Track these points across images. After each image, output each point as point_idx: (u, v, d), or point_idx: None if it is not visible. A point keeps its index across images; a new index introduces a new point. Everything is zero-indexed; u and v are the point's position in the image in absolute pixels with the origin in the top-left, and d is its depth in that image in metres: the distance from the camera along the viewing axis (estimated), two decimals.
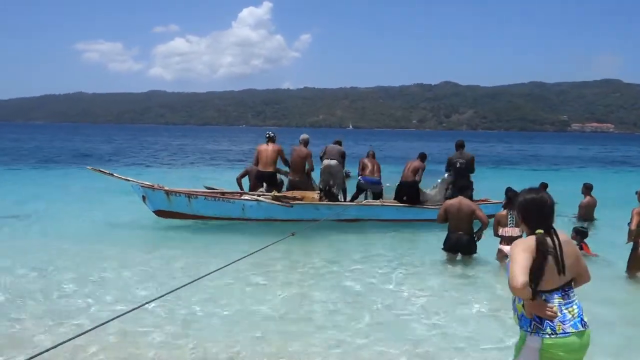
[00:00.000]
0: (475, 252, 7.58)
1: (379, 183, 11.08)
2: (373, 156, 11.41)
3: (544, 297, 2.66)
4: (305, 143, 10.71)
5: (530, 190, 2.87)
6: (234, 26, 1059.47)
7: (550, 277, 2.65)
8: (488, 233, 7.58)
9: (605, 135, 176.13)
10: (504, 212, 7.21)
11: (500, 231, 7.17)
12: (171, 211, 10.04)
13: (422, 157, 11.29)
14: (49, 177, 19.76)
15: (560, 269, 2.64)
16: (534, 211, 2.77)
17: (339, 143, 11.26)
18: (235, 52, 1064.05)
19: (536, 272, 2.60)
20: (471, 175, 11.08)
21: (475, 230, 7.59)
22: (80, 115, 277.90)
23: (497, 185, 12.59)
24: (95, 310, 5.40)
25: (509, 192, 7.35)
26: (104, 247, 8.16)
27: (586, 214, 11.16)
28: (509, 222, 7.09)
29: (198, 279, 3.62)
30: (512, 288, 2.52)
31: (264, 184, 10.61)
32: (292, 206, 9.89)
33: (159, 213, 10.09)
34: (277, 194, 10.10)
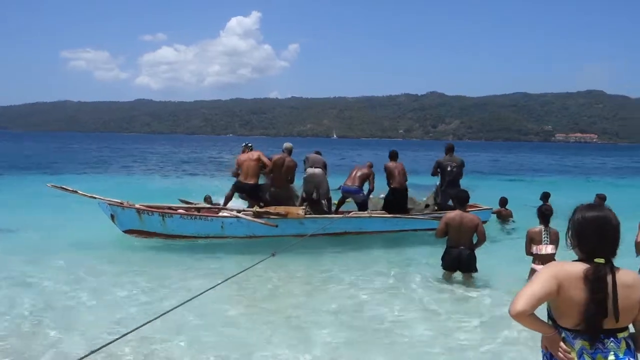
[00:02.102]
0: (476, 271, 7.12)
1: (358, 192, 10.57)
2: (370, 166, 10.87)
3: (563, 335, 2.28)
4: (289, 152, 10.32)
5: (590, 207, 2.36)
6: (222, 35, 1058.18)
7: (576, 314, 2.22)
8: (483, 249, 7.29)
9: (591, 145, 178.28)
10: (537, 228, 6.65)
11: (534, 249, 6.59)
12: (143, 230, 9.33)
13: (394, 155, 10.84)
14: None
15: (609, 311, 2.19)
16: (594, 234, 2.26)
17: (318, 153, 11.01)
18: (223, 61, 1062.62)
19: (574, 307, 2.20)
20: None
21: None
22: (66, 124, 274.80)
23: (485, 194, 12.78)
24: (59, 350, 4.75)
25: (543, 206, 6.82)
26: (64, 273, 7.30)
27: None
28: (543, 239, 6.56)
29: (169, 311, 3.38)
30: (509, 311, 2.19)
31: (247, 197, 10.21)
32: (277, 226, 9.32)
33: (130, 232, 9.38)
34: (258, 209, 9.61)
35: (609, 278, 2.19)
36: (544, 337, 2.29)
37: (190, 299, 3.64)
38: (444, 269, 7.24)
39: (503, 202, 12.16)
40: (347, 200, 10.95)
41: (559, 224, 6.67)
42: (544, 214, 6.66)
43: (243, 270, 4.55)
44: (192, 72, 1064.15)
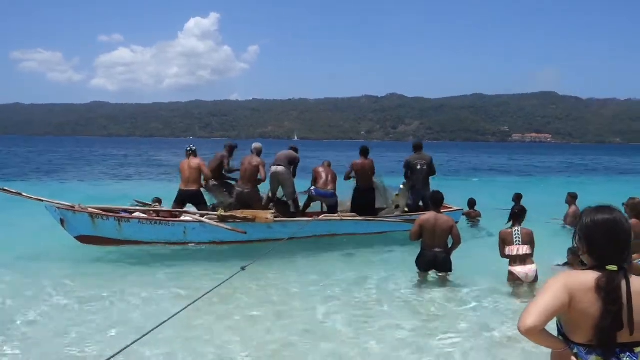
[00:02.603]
0: (451, 270, 6.98)
1: (332, 196, 10.16)
2: (329, 165, 10.52)
3: (575, 350, 2.09)
4: (259, 152, 9.86)
5: (600, 209, 2.15)
6: (180, 37, 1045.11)
7: (589, 328, 2.03)
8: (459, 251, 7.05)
9: (546, 145, 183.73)
10: (508, 229, 6.56)
11: (507, 250, 6.51)
12: (97, 236, 8.59)
13: (366, 151, 10.32)
14: None
15: (623, 323, 2.00)
16: (604, 238, 2.07)
17: (294, 150, 10.46)
18: (181, 63, 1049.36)
19: (583, 320, 2.02)
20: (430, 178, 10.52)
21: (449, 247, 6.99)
22: (17, 127, 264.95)
23: (449, 194, 12.45)
24: None
25: (516, 207, 6.76)
26: (7, 289, 6.49)
27: (572, 223, 10.83)
28: (514, 240, 6.45)
29: (125, 348, 2.93)
30: (518, 327, 1.99)
31: (190, 205, 9.61)
32: (245, 232, 8.75)
33: (82, 239, 8.64)
34: (223, 213, 8.99)
35: (624, 287, 2.01)
36: (555, 353, 2.12)
37: (155, 328, 3.21)
38: (419, 269, 7.07)
39: (472, 203, 12.08)
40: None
41: (531, 224, 6.70)
42: (516, 214, 6.61)
43: (212, 289, 4.11)
44: (150, 74, 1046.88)
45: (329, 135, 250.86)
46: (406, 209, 10.66)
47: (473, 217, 11.80)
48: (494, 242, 6.64)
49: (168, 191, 11.62)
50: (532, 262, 6.52)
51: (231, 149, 10.42)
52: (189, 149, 9.75)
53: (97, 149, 73.07)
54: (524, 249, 6.44)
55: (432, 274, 7.10)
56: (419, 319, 5.73)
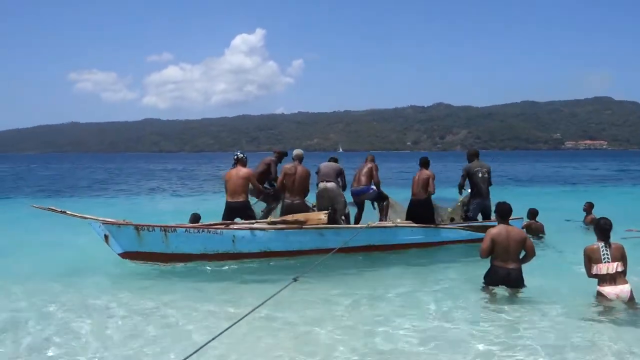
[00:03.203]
0: (524, 286, 6.44)
1: (366, 190, 9.56)
2: (372, 160, 9.88)
3: None
4: (300, 159, 9.31)
5: None
6: (227, 53, 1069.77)
7: None
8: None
9: (602, 152, 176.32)
10: (594, 245, 5.97)
11: (594, 269, 5.91)
12: (143, 252, 8.27)
13: (425, 163, 9.74)
14: None
15: None
16: None
17: (334, 160, 9.89)
18: (228, 79, 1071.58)
19: None
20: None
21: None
22: (73, 145, 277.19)
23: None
24: None
25: (601, 220, 6.10)
26: (54, 307, 6.27)
27: None
28: (602, 258, 5.85)
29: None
30: None
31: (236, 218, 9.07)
32: (302, 227, 8.39)
33: (127, 255, 8.31)
34: (273, 219, 8.68)
35: None
36: None
37: (208, 342, 3.18)
38: (486, 285, 6.56)
39: (533, 213, 10.85)
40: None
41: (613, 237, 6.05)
42: (603, 229, 5.99)
43: (265, 301, 3.96)
44: (198, 91, 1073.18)
45: (375, 147, 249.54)
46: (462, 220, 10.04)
47: (534, 229, 10.52)
48: (559, 258, 6.27)
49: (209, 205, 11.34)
50: (625, 282, 5.87)
51: (280, 156, 9.87)
52: (236, 157, 9.25)
53: (162, 164, 75.23)
54: (614, 267, 5.81)
55: (500, 290, 6.47)
56: (492, 340, 5.10)
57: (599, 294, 5.95)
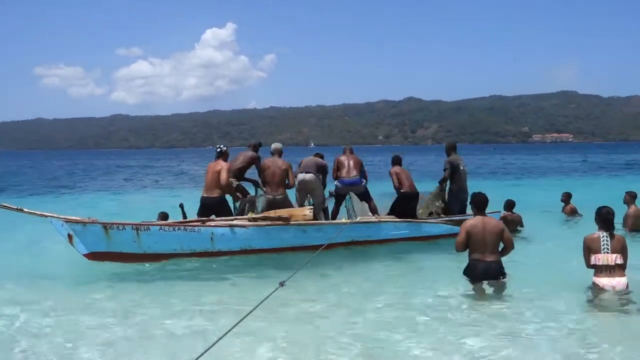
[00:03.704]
0: (505, 276, 6.22)
1: (358, 182, 9.31)
2: (351, 151, 9.67)
3: None
4: (279, 153, 9.15)
5: None
6: (197, 48, 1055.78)
7: None
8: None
9: (568, 145, 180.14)
10: (594, 234, 5.79)
11: (593, 259, 5.74)
12: (112, 252, 7.64)
13: (399, 161, 9.79)
14: None
15: None
16: None
17: (319, 156, 9.71)
18: (199, 74, 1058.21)
19: None
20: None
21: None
22: (41, 142, 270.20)
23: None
24: None
25: (603, 209, 5.88)
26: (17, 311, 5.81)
27: (634, 224, 9.79)
28: (602, 248, 5.68)
29: None
30: None
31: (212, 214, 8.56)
32: (289, 222, 8.14)
33: (93, 256, 7.65)
34: (254, 215, 8.38)
35: None
36: None
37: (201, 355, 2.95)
38: (469, 280, 6.30)
39: (510, 205, 10.61)
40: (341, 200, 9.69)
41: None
42: (605, 218, 5.80)
43: (252, 310, 3.83)
44: (168, 86, 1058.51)
45: (347, 141, 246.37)
46: (442, 214, 9.99)
47: (510, 221, 10.14)
48: (539, 250, 6.15)
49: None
50: (623, 274, 5.72)
51: (256, 148, 9.38)
52: (219, 149, 8.88)
53: (126, 161, 73.55)
54: (613, 258, 5.66)
55: (484, 284, 6.25)
56: (484, 339, 4.88)
57: (595, 285, 5.78)
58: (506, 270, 6.32)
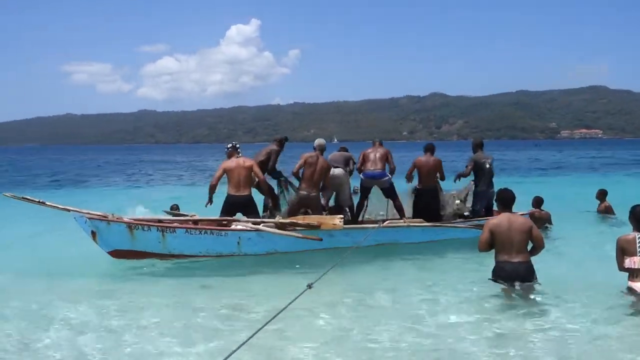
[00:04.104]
0: (536, 279, 5.80)
1: (382, 176, 9.09)
2: (380, 144, 9.43)
3: None
4: (322, 150, 8.81)
5: None
6: (222, 44, 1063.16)
7: None
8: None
9: (598, 141, 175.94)
10: (629, 235, 5.43)
11: (628, 262, 5.38)
12: (135, 251, 7.68)
13: (431, 148, 9.50)
14: None
15: None
16: None
17: (344, 149, 9.68)
18: (224, 70, 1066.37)
19: None
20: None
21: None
22: (70, 137, 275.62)
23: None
24: None
25: (637, 207, 5.49)
26: (36, 307, 5.83)
27: None
28: (638, 250, 5.34)
29: None
30: None
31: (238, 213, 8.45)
32: (322, 239, 7.92)
33: (117, 254, 7.69)
34: (282, 220, 8.25)
35: None
36: None
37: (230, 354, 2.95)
38: (496, 281, 5.90)
39: (538, 202, 10.38)
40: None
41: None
42: (636, 216, 5.44)
43: (279, 312, 3.78)
44: (194, 82, 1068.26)
45: (371, 137, 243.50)
46: (469, 215, 9.84)
47: (538, 218, 9.91)
48: (570, 250, 5.89)
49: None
50: None
51: (282, 143, 9.25)
52: (230, 146, 8.63)
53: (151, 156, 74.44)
54: None
55: (511, 286, 5.87)
56: (508, 344, 4.70)
57: (630, 290, 5.45)
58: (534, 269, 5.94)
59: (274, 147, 9.19)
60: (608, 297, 5.74)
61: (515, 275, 5.73)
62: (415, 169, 9.52)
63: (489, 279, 5.98)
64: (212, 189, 8.41)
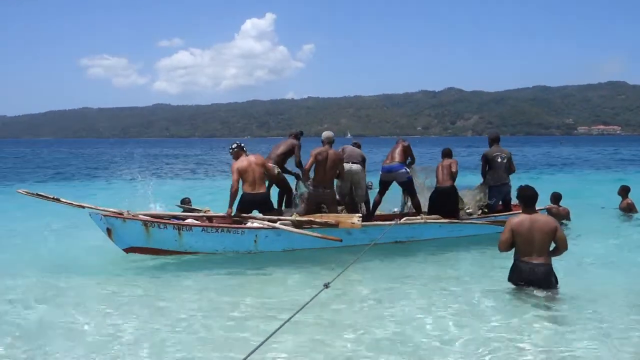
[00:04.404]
0: (556, 286, 5.60)
1: (399, 168, 9.07)
2: (402, 141, 9.53)
3: None
4: (331, 142, 8.64)
5: None
6: (237, 38, 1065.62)
7: None
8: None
9: (617, 137, 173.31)
10: None
11: None
12: (151, 248, 7.72)
13: (448, 153, 9.48)
14: None
15: None
16: None
17: (357, 146, 9.60)
18: (239, 64, 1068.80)
19: None
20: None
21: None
22: (86, 131, 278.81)
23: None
24: None
25: None
26: (53, 303, 5.84)
27: None
28: None
29: None
30: None
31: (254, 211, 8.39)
32: (342, 240, 7.84)
33: (133, 250, 7.73)
34: (299, 218, 8.18)
35: None
36: None
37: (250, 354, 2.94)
38: (513, 284, 5.77)
39: (556, 197, 10.25)
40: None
41: None
42: None
43: (300, 309, 3.76)
44: (208, 76, 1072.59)
45: (385, 132, 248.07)
46: (485, 210, 9.77)
47: (556, 214, 9.68)
48: (592, 248, 5.63)
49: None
50: None
51: (297, 137, 9.17)
52: (235, 146, 8.49)
53: (166, 149, 74.76)
54: None
55: (528, 289, 5.68)
56: (521, 347, 4.60)
57: None
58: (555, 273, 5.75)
59: (294, 141, 9.14)
60: (626, 299, 5.63)
61: (533, 277, 5.55)
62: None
63: (508, 280, 5.83)
64: (235, 195, 8.14)
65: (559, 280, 5.74)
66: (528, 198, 5.69)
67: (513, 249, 5.73)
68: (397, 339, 4.88)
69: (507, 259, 6.03)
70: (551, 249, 5.68)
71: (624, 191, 11.60)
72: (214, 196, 8.57)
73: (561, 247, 5.59)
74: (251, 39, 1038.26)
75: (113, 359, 4.53)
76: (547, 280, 5.56)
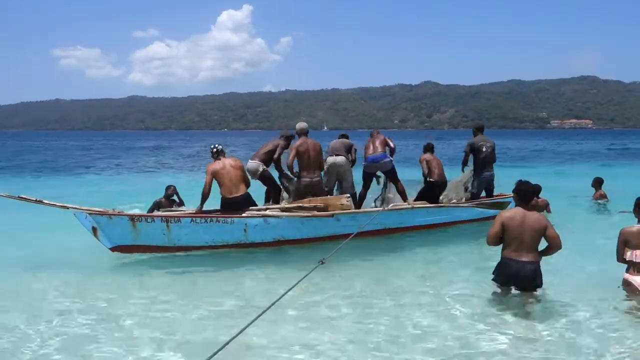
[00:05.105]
0: (540, 286, 5.39)
1: (383, 157, 9.06)
2: (377, 133, 9.50)
3: None
4: (306, 133, 8.73)
5: None
6: (214, 30, 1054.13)
7: None
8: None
9: (588, 131, 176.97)
10: (634, 227, 5.18)
11: (629, 255, 5.17)
12: (139, 245, 7.47)
13: (432, 147, 9.74)
14: None
15: None
16: None
17: (345, 137, 9.63)
18: (215, 56, 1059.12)
19: None
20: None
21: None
22: (59, 122, 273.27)
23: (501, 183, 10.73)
24: None
25: None
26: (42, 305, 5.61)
27: None
28: None
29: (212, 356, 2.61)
30: None
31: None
32: (333, 216, 7.94)
33: (120, 249, 7.46)
34: (287, 204, 8.17)
35: None
36: None
37: (232, 339, 3.09)
38: (498, 284, 5.53)
39: (599, 182, 10.68)
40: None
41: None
42: None
43: (294, 286, 3.88)
44: (185, 67, 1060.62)
45: (362, 125, 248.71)
46: (468, 197, 10.05)
47: (534, 205, 9.47)
48: (574, 242, 5.66)
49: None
50: None
51: (288, 139, 9.15)
52: (215, 149, 8.18)
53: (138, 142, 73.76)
54: None
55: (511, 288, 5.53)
56: (499, 341, 4.59)
57: (626, 283, 5.27)
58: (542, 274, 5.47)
59: (280, 141, 9.14)
60: (602, 290, 5.63)
61: (518, 276, 5.31)
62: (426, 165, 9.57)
63: (492, 280, 5.59)
64: (206, 197, 7.90)
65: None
66: (525, 194, 5.46)
67: (500, 245, 5.46)
68: (383, 337, 4.79)
69: (496, 254, 5.87)
70: (543, 248, 5.45)
71: (597, 183, 12.10)
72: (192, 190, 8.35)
73: (554, 246, 5.28)
74: (228, 31, 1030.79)
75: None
76: (533, 280, 5.31)
